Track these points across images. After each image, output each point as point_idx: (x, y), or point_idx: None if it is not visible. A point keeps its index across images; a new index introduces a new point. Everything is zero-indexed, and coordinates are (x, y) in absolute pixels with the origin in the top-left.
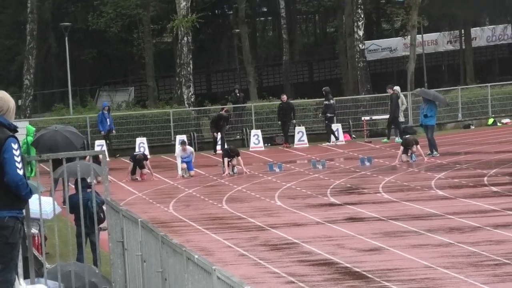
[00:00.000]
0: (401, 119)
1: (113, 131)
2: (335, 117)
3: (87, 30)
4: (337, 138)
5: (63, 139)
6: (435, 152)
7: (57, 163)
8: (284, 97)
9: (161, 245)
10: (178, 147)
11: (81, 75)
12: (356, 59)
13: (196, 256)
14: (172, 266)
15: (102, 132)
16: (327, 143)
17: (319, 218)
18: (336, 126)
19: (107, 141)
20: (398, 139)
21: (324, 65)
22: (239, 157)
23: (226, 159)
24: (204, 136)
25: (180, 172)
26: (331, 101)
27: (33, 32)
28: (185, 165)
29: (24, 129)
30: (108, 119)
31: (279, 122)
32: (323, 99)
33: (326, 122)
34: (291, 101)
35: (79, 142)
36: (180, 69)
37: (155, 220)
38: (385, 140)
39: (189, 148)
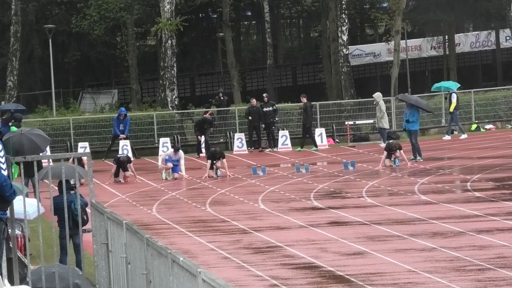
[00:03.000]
0: (385, 125)
1: (121, 135)
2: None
3: (70, 32)
4: (275, 146)
5: (29, 142)
6: (418, 157)
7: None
8: (254, 101)
9: (146, 247)
10: (170, 150)
11: (64, 77)
12: (340, 64)
13: (181, 259)
14: (157, 268)
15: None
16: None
17: (303, 222)
18: (319, 131)
19: (114, 142)
20: (382, 144)
21: (307, 70)
22: (224, 160)
23: (209, 161)
24: (188, 139)
25: (163, 175)
26: (274, 107)
27: (17, 34)
28: (170, 165)
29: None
30: (121, 124)
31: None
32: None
33: (272, 128)
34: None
35: (45, 145)
36: (164, 72)
37: (138, 222)
38: (314, 148)
39: (180, 153)
